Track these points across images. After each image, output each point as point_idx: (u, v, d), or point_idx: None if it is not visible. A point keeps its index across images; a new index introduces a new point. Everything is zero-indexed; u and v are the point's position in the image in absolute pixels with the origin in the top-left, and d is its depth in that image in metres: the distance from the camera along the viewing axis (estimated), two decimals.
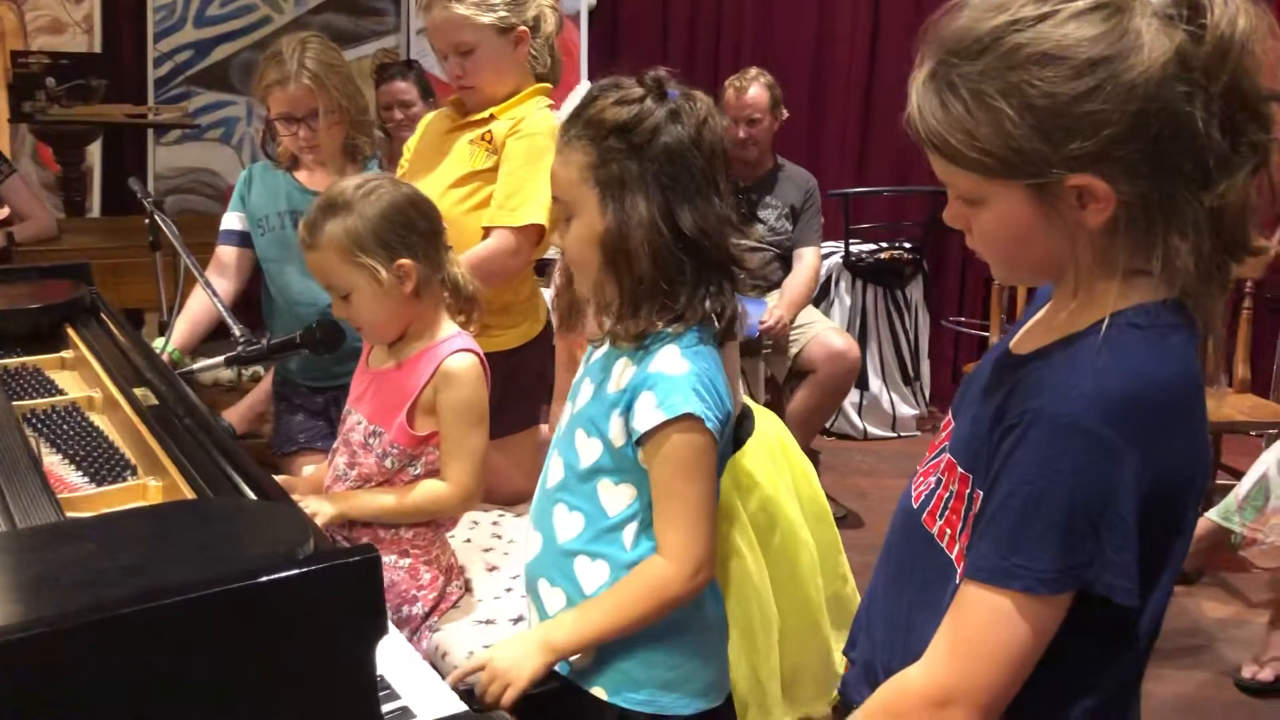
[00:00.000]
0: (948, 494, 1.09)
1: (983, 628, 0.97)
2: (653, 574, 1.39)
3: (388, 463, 1.79)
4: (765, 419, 2.03)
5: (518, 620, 1.82)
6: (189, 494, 1.40)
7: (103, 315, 2.13)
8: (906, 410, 4.52)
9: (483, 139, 2.19)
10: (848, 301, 4.38)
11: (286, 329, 2.52)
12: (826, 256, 4.25)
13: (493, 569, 1.99)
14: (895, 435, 4.49)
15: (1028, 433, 0.95)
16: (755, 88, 3.79)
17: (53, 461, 1.58)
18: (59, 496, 1.37)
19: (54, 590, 1.03)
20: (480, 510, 2.17)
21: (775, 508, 1.90)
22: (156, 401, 1.66)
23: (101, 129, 4.72)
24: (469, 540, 2.08)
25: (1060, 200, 0.96)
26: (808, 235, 3.81)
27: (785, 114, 3.90)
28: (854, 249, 4.35)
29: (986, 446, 1.01)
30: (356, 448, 1.83)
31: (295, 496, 1.65)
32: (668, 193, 1.37)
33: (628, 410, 1.40)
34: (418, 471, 1.82)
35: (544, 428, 2.30)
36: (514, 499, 2.29)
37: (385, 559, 1.81)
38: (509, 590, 1.91)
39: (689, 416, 1.35)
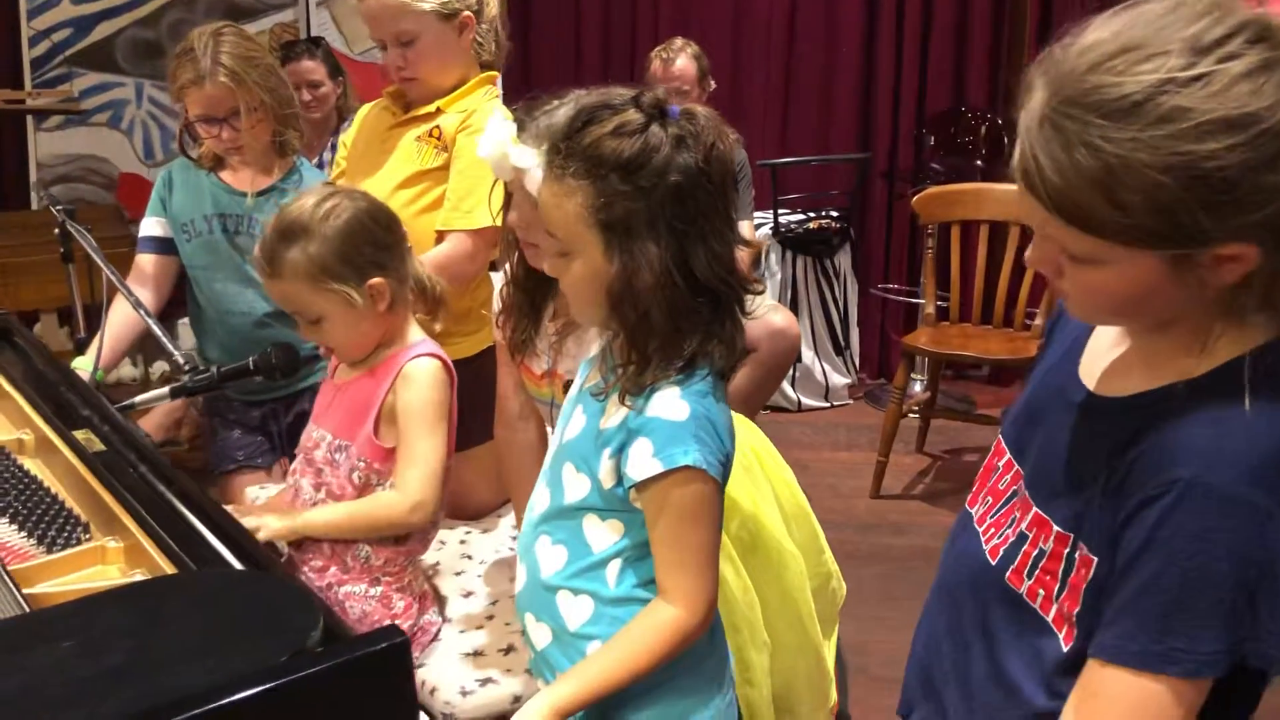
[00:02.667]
0: (1037, 551, 1.02)
1: (1133, 716, 0.91)
2: (662, 620, 1.30)
3: (355, 477, 1.68)
4: (741, 430, 1.96)
5: (507, 650, 1.72)
6: (157, 556, 1.26)
7: (17, 340, 1.95)
8: (839, 379, 4.51)
9: (431, 135, 2.05)
10: (778, 274, 4.33)
11: (219, 341, 2.36)
12: (757, 228, 4.19)
13: (468, 594, 1.88)
14: (829, 405, 4.48)
15: (1179, 505, 0.88)
16: (682, 59, 3.68)
17: None
18: (9, 568, 1.23)
19: (38, 710, 0.90)
20: (445, 528, 2.05)
21: (757, 525, 1.83)
22: (103, 446, 1.50)
23: None
24: (437, 563, 1.97)
25: (1196, 263, 0.89)
26: (742, 209, 3.74)
27: (713, 85, 3.81)
28: (782, 219, 4.29)
29: (1100, 509, 0.94)
30: (322, 465, 1.72)
31: (233, 509, 1.54)
32: (680, 237, 1.24)
33: (619, 452, 1.29)
34: (385, 490, 1.71)
35: None
36: (479, 513, 2.19)
37: (354, 589, 1.71)
38: (490, 619, 1.81)
39: (688, 468, 1.25)
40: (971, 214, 3.75)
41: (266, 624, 1.03)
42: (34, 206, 4.77)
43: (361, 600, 1.71)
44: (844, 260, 4.45)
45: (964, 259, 3.76)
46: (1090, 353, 1.07)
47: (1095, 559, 0.95)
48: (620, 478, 1.29)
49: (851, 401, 4.54)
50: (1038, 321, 3.67)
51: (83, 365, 2.15)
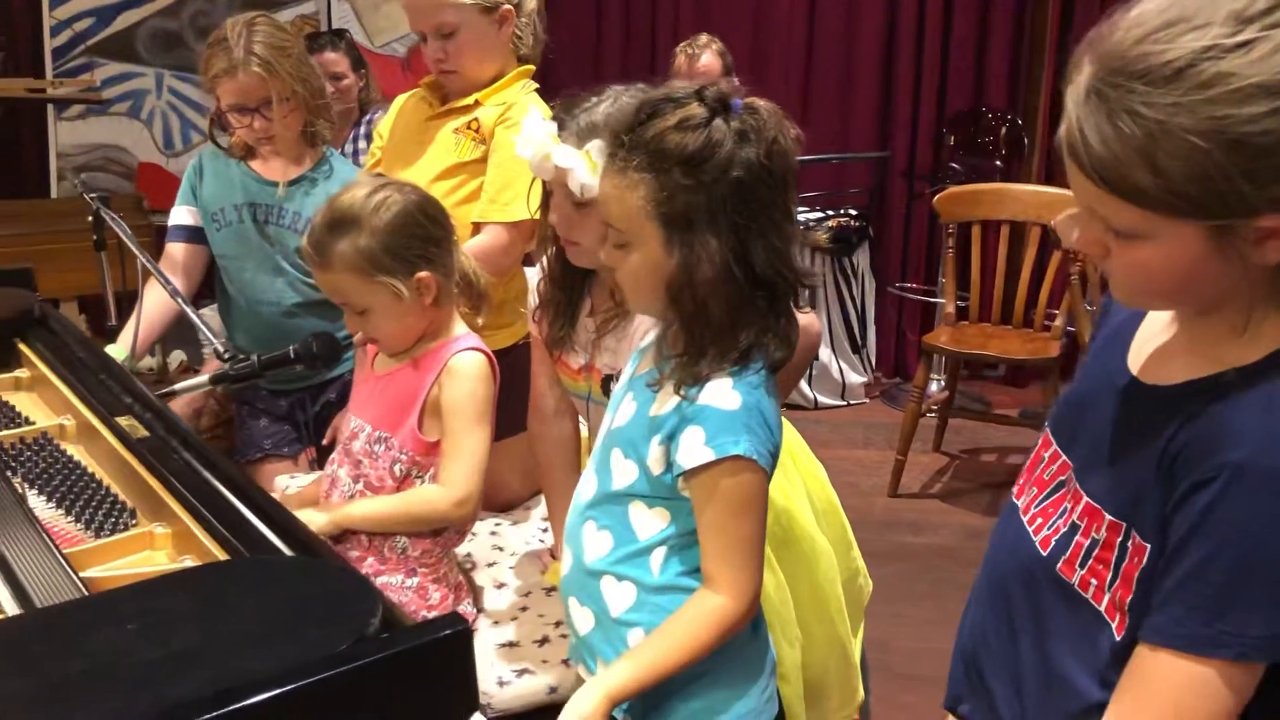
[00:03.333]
0: (1089, 541, 1.02)
1: (1181, 700, 0.91)
2: (710, 608, 1.30)
3: (397, 469, 1.69)
4: None
5: (542, 642, 1.72)
6: (207, 542, 1.26)
7: (54, 326, 1.95)
8: (855, 378, 4.51)
9: (469, 127, 2.05)
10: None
11: (247, 330, 2.37)
12: None
13: (501, 585, 1.89)
14: (845, 403, 4.48)
15: (1230, 489, 0.89)
16: (707, 55, 3.68)
17: (37, 505, 1.42)
18: (64, 550, 1.23)
19: (109, 690, 0.90)
20: (478, 520, 2.06)
21: (789, 519, 1.84)
22: (146, 433, 1.51)
23: (0, 106, 4.39)
24: (469, 555, 1.97)
25: (1238, 237, 0.89)
26: None
27: (736, 82, 3.80)
28: (800, 217, 4.29)
29: (1152, 495, 0.94)
30: (361, 456, 1.73)
31: None
32: (740, 231, 1.24)
33: (670, 439, 1.30)
34: (425, 482, 1.71)
35: None
36: (509, 504, 2.19)
37: (391, 579, 1.71)
38: (524, 610, 1.81)
39: (739, 457, 1.26)
40: (992, 214, 3.75)
41: (327, 610, 1.03)
42: (53, 195, 4.78)
43: (398, 591, 1.72)
44: (862, 259, 4.45)
45: (984, 258, 3.76)
46: (1139, 342, 1.07)
47: (1148, 546, 0.95)
48: (669, 465, 1.30)
49: (868, 400, 4.55)
50: (1057, 323, 3.67)
51: (115, 352, 2.15)
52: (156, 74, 4.76)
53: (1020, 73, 4.52)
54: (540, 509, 2.15)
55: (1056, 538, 1.05)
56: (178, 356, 4.10)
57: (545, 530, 2.07)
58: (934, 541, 3.40)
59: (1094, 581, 1.00)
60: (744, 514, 1.28)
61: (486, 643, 1.73)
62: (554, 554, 1.93)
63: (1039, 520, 1.09)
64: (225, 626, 1.01)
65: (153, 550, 1.33)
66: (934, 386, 4.18)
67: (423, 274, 1.63)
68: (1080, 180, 0.93)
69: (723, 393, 1.26)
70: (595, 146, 1.54)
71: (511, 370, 2.08)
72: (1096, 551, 1.00)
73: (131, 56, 4.74)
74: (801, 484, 1.92)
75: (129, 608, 1.04)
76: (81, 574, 1.20)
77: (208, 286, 2.50)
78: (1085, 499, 1.03)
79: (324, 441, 2.32)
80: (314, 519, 1.65)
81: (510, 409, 2.03)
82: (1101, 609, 1.00)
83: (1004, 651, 1.10)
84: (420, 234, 1.63)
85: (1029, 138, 4.44)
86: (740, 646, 1.36)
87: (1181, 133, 0.86)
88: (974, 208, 3.73)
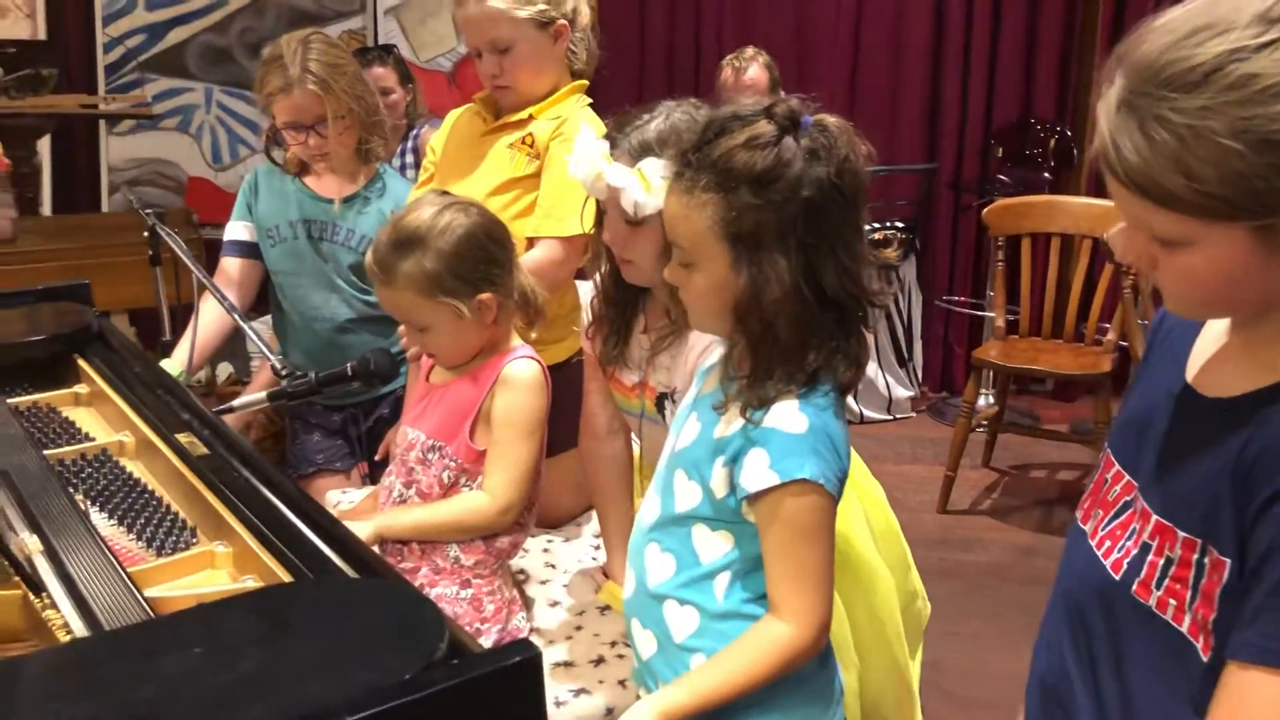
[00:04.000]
0: (1163, 561, 0.99)
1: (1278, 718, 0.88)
2: (774, 636, 1.27)
3: (445, 476, 1.70)
4: None
5: (598, 662, 1.71)
6: (269, 562, 1.26)
7: (111, 342, 1.96)
8: (901, 392, 4.47)
9: (523, 142, 2.04)
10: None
11: (301, 345, 2.38)
12: None
13: (555, 604, 1.88)
14: (891, 417, 4.44)
15: None
16: (754, 68, 3.68)
17: (99, 522, 1.43)
18: (127, 569, 1.23)
19: (179, 716, 0.90)
20: (530, 535, 2.05)
21: (847, 544, 1.81)
22: (206, 450, 1.51)
23: (54, 121, 4.46)
24: (522, 571, 1.97)
25: None
26: None
27: (782, 95, 3.79)
28: None
29: (1227, 509, 0.92)
30: (414, 464, 1.73)
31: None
32: (810, 251, 1.22)
33: (734, 461, 1.28)
34: (472, 491, 1.71)
35: None
36: (560, 520, 2.18)
37: (445, 590, 1.72)
38: (579, 629, 1.80)
39: (805, 481, 1.23)
40: (1042, 226, 3.71)
41: (394, 634, 1.02)
42: (104, 208, 4.85)
43: (452, 602, 1.71)
44: (909, 271, 4.42)
45: (1034, 272, 3.72)
46: (1195, 354, 1.06)
47: (1228, 562, 0.93)
48: (733, 488, 1.28)
49: (914, 414, 4.50)
50: (1109, 337, 3.62)
51: (169, 367, 2.16)
52: (206, 89, 4.81)
53: (1069, 83, 4.47)
54: (592, 526, 2.14)
55: (1128, 560, 1.03)
56: (225, 369, 4.13)
57: (598, 548, 2.05)
58: (985, 559, 3.36)
59: (1173, 602, 0.98)
60: (810, 540, 1.25)
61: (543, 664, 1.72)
62: (607, 572, 1.92)
63: (1107, 543, 1.07)
64: (291, 651, 1.00)
65: (213, 569, 1.33)
66: (982, 401, 4.13)
67: (484, 295, 1.64)
68: (1120, 191, 0.94)
69: (789, 415, 1.24)
70: (649, 165, 1.53)
71: (563, 386, 2.07)
72: (1173, 571, 0.98)
73: (181, 72, 4.80)
74: (859, 506, 1.89)
75: (195, 631, 1.03)
76: (145, 592, 1.20)
77: (260, 300, 2.52)
78: (1155, 517, 1.00)
79: (376, 457, 2.32)
80: (359, 529, 1.65)
81: (562, 425, 2.03)
82: (1184, 630, 0.97)
83: (1084, 679, 1.08)
84: (483, 256, 1.64)
85: (1078, 149, 4.39)
86: (806, 676, 1.33)
87: (1212, 135, 0.86)
88: (1024, 220, 3.69)
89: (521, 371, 1.69)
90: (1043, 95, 4.46)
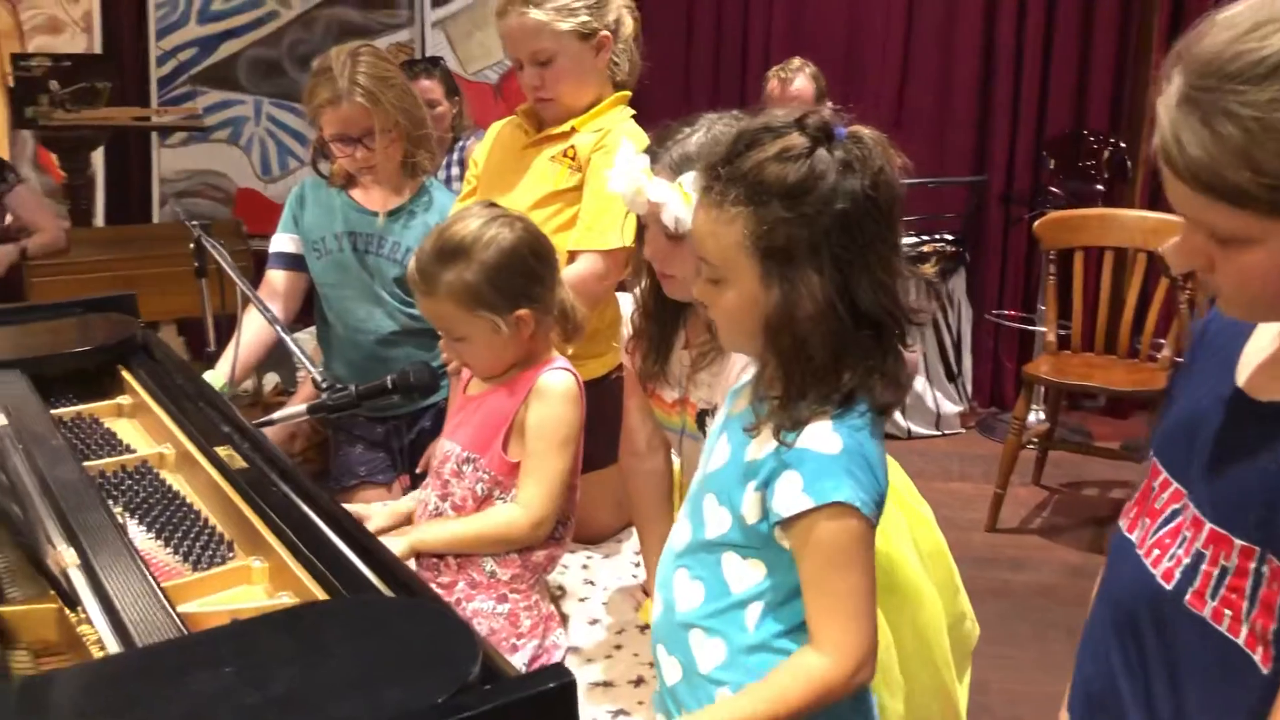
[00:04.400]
0: (1218, 570, 0.95)
1: None
2: (810, 669, 1.21)
3: (479, 489, 1.68)
4: None
5: (638, 682, 1.68)
6: (304, 579, 1.25)
7: (155, 353, 1.97)
8: (950, 407, 4.40)
9: (565, 155, 2.03)
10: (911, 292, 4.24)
11: (345, 358, 2.38)
12: None
13: (594, 622, 1.85)
14: (940, 433, 4.37)
15: None
16: (801, 79, 3.65)
17: (137, 535, 1.42)
18: (163, 584, 1.22)
19: None
20: (567, 551, 2.03)
21: (893, 565, 1.76)
22: (245, 464, 1.50)
23: (108, 133, 4.52)
24: (560, 588, 1.94)
25: None
26: None
27: (830, 105, 3.75)
28: None
29: None
30: (449, 477, 1.72)
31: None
32: (844, 266, 1.17)
33: (766, 485, 1.23)
34: (504, 502, 1.70)
35: None
36: (598, 536, 2.16)
37: (482, 605, 1.70)
38: (618, 648, 1.77)
39: (840, 504, 1.18)
40: (1096, 240, 3.64)
41: (426, 656, 1.00)
42: (155, 220, 4.91)
43: (489, 617, 1.69)
44: (958, 285, 4.36)
45: (1087, 286, 3.65)
46: (1247, 358, 1.02)
47: None
48: (765, 513, 1.23)
49: (963, 430, 4.43)
50: (1164, 353, 3.54)
51: (213, 379, 2.17)
52: (255, 101, 4.86)
53: (1124, 93, 4.39)
54: (633, 543, 2.11)
55: (1180, 569, 0.99)
56: (272, 379, 4.16)
57: (638, 565, 2.03)
58: (1035, 579, 3.29)
59: (1228, 612, 0.94)
60: (847, 566, 1.20)
61: (579, 680, 1.69)
62: (646, 590, 1.89)
63: (1156, 552, 1.03)
64: (324, 671, 0.98)
65: (249, 585, 1.32)
66: (1032, 417, 4.05)
67: (522, 312, 1.62)
68: (1180, 190, 0.91)
69: (823, 436, 1.19)
70: (689, 179, 1.50)
71: (603, 400, 2.05)
72: (1228, 580, 0.94)
73: (232, 85, 4.86)
74: (905, 526, 1.85)
75: (227, 649, 1.02)
76: (179, 608, 1.19)
77: (304, 311, 2.52)
78: (1208, 525, 0.97)
79: (418, 469, 2.31)
80: (393, 544, 1.63)
81: (602, 440, 2.01)
82: (1240, 641, 0.93)
83: (1136, 693, 1.04)
84: (524, 272, 1.63)
85: (1132, 161, 4.30)
86: (841, 710, 1.27)
87: None
88: (1077, 234, 3.62)
89: (556, 383, 1.67)
90: (1096, 105, 4.39)
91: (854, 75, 4.56)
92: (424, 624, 1.06)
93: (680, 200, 1.49)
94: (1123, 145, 4.29)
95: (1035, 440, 3.83)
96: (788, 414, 1.21)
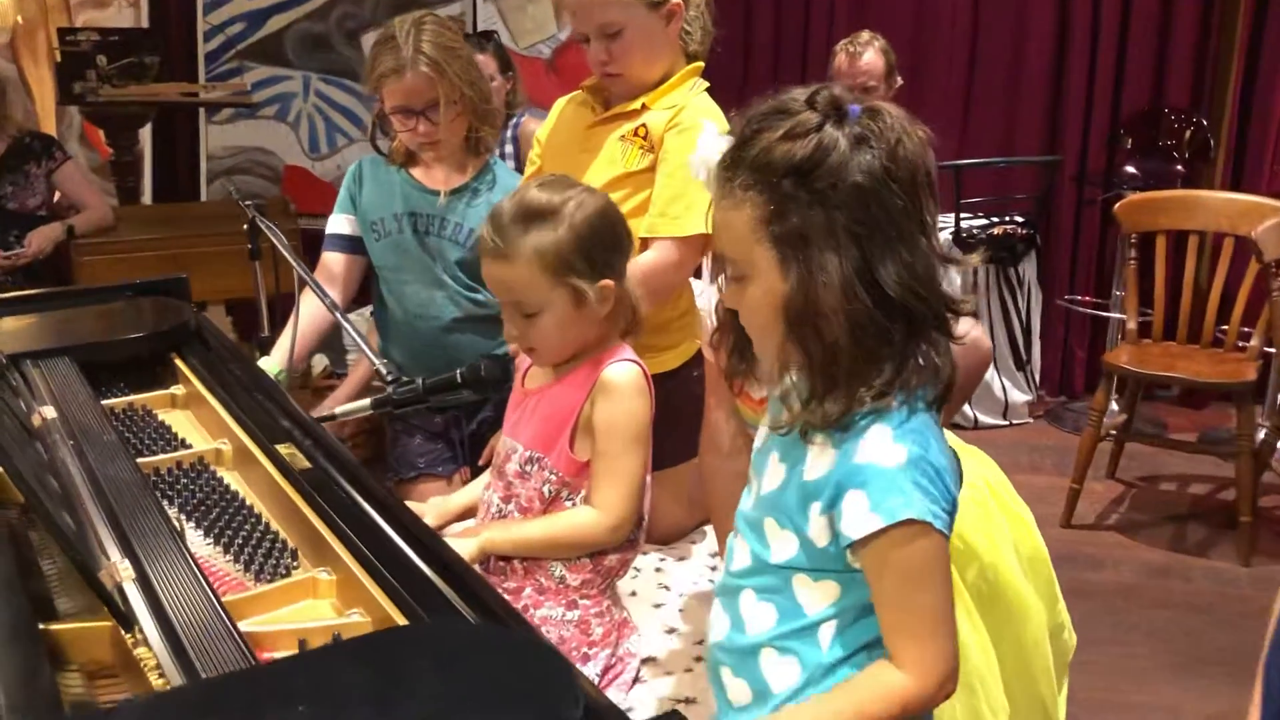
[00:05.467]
0: None
1: None
2: (889, 685, 1.14)
3: (546, 490, 1.57)
4: (970, 460, 1.77)
5: None
6: (377, 595, 1.14)
7: (209, 340, 1.88)
8: (1019, 396, 4.24)
9: (636, 134, 1.91)
10: (956, 281, 4.08)
11: (404, 345, 2.27)
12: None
13: (670, 631, 1.74)
14: (1008, 423, 4.21)
15: None
16: (870, 53, 3.48)
17: (194, 540, 1.33)
18: (224, 598, 1.12)
19: None
20: (640, 553, 1.92)
21: (995, 574, 1.65)
22: (308, 464, 1.40)
23: (155, 109, 4.44)
24: (634, 593, 1.83)
25: None
26: None
27: (899, 81, 3.60)
28: (964, 224, 4.04)
29: None
30: (513, 478, 1.61)
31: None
32: (863, 244, 1.09)
33: (832, 507, 1.14)
34: (574, 504, 1.59)
35: None
36: (671, 536, 2.05)
37: (551, 612, 1.60)
38: (699, 660, 1.66)
39: (911, 521, 1.10)
40: (1179, 223, 3.46)
41: (521, 695, 0.89)
42: (203, 198, 4.84)
43: (559, 625, 1.59)
44: (1028, 269, 4.18)
45: (1169, 271, 3.47)
46: None
47: None
48: (835, 535, 1.15)
49: (1032, 420, 4.27)
50: (1253, 343, 3.36)
51: (268, 366, 2.08)
52: (304, 77, 4.77)
53: (1206, 68, 4.18)
54: (706, 544, 2.01)
55: None
56: (320, 361, 4.07)
57: (714, 568, 1.92)
58: (1116, 579, 3.14)
59: None
60: (923, 584, 1.12)
61: (657, 696, 1.59)
62: None
63: None
64: (405, 709, 0.88)
65: (315, 599, 1.22)
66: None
67: (607, 282, 1.51)
68: None
69: (883, 446, 1.11)
70: None
71: (678, 394, 1.94)
72: None
73: (280, 60, 4.76)
74: (1006, 530, 1.72)
75: (300, 682, 0.92)
76: (241, 625, 1.09)
77: (359, 291, 2.42)
78: None
79: (480, 462, 2.21)
80: (462, 546, 1.52)
81: (677, 436, 1.89)
82: None
83: None
84: (613, 240, 1.53)
85: (1214, 140, 4.11)
86: None
87: None
88: (1159, 216, 3.45)
89: (621, 376, 1.56)
90: (1176, 81, 4.18)
91: (922, 50, 4.38)
92: (516, 656, 0.95)
93: None
94: (1204, 124, 4.09)
95: (1112, 432, 3.66)
96: (817, 413, 1.13)
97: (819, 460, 1.15)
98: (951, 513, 1.13)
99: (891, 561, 1.11)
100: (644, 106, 1.94)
